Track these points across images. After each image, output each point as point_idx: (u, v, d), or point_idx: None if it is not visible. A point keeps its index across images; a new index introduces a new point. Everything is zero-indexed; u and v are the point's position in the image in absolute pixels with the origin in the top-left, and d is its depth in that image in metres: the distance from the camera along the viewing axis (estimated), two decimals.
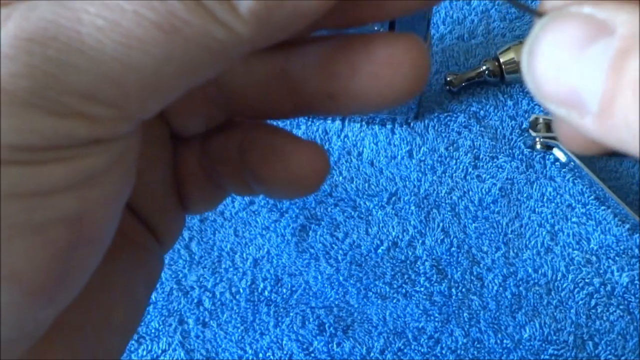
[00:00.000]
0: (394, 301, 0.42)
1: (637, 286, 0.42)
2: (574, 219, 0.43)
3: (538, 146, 0.44)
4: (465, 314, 0.42)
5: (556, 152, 0.44)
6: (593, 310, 0.42)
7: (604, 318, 0.41)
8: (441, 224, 0.44)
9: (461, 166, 0.45)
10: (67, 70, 0.13)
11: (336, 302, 0.43)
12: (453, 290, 0.42)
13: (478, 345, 0.41)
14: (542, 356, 0.41)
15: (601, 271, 0.42)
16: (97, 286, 0.18)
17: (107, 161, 0.15)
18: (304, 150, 0.19)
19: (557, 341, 0.41)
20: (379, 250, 0.43)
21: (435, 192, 0.44)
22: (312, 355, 0.42)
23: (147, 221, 0.21)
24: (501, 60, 0.45)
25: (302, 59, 0.18)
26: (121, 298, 0.19)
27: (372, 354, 0.42)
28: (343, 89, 0.17)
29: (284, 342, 0.42)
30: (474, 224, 0.44)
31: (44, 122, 0.13)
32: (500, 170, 0.45)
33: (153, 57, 0.13)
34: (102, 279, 0.18)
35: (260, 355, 0.42)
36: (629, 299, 0.42)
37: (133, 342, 0.42)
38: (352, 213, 0.44)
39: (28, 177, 0.13)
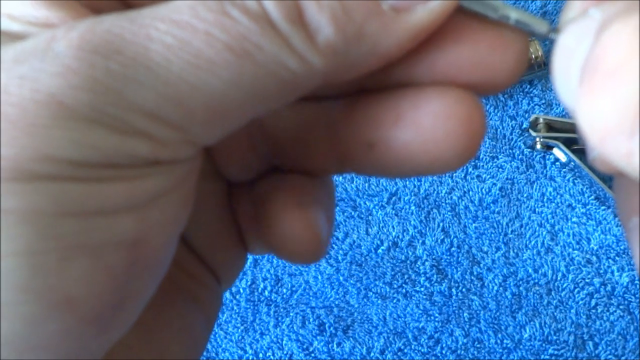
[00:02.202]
0: (394, 301, 0.42)
1: (637, 286, 0.42)
2: (574, 219, 0.43)
3: (538, 146, 0.44)
4: (465, 314, 0.42)
5: (556, 152, 0.44)
6: (593, 310, 0.42)
7: (604, 318, 0.41)
8: (441, 224, 0.44)
9: None
10: (131, 86, 0.12)
11: (336, 302, 0.43)
12: (453, 290, 0.42)
13: (478, 345, 0.41)
14: (542, 356, 0.41)
15: (601, 271, 0.42)
16: (153, 323, 0.17)
17: (168, 184, 0.14)
18: (293, 222, 0.18)
19: (557, 341, 0.41)
20: (379, 250, 0.43)
21: (435, 192, 0.44)
22: (312, 355, 0.42)
23: (205, 259, 0.20)
24: None
25: (347, 106, 0.17)
26: (178, 336, 0.19)
27: (372, 354, 0.41)
28: (384, 137, 0.16)
29: (284, 342, 0.42)
30: (474, 224, 0.44)
31: (105, 139, 0.12)
32: (500, 170, 0.45)
33: (221, 80, 0.13)
34: (158, 316, 0.17)
35: (260, 355, 0.42)
36: (629, 299, 0.42)
37: None
38: (352, 213, 0.44)
39: (86, 195, 0.12)
